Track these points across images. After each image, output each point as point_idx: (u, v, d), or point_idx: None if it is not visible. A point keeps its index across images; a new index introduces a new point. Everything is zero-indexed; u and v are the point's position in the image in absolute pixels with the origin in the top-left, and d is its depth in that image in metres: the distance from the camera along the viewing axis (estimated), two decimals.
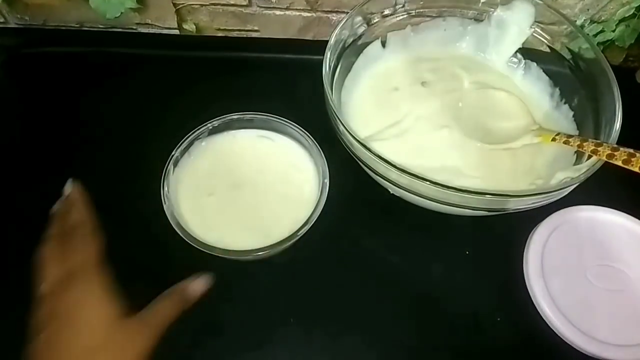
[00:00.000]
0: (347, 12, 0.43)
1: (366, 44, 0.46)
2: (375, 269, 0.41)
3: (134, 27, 0.57)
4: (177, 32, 0.57)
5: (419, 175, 0.33)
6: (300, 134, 0.41)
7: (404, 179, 0.34)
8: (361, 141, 0.35)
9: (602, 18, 0.52)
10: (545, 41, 0.45)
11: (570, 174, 0.35)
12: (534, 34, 0.45)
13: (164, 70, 0.53)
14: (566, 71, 0.44)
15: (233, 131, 0.42)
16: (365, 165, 0.37)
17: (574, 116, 0.43)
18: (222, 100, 0.44)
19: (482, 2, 0.47)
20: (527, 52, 0.47)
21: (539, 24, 0.45)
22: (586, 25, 0.53)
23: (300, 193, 0.39)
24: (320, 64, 0.39)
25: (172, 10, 0.55)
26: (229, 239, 0.36)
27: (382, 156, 0.34)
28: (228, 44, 0.58)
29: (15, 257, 0.40)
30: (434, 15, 0.48)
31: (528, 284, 0.40)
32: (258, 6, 0.54)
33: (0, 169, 0.45)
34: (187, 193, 0.39)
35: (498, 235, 0.42)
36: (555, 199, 0.35)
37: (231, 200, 0.39)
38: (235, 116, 0.41)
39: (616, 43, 0.53)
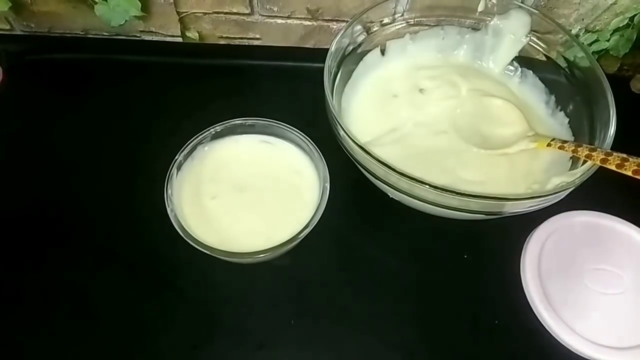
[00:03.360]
0: (347, 21, 0.44)
1: (366, 52, 0.47)
2: (374, 271, 0.41)
3: (138, 35, 0.58)
4: (180, 39, 0.58)
5: (418, 179, 0.33)
6: (301, 139, 0.41)
7: (403, 183, 0.35)
8: (361, 145, 0.36)
9: (597, 28, 0.53)
10: (541, 50, 0.46)
11: (565, 179, 0.36)
12: (530, 42, 0.46)
13: (167, 77, 0.53)
14: (562, 79, 0.44)
15: (235, 136, 0.43)
16: (365, 170, 0.38)
17: (569, 123, 0.43)
18: (224, 106, 0.45)
19: (480, 12, 0.47)
20: (523, 61, 0.48)
21: (535, 33, 0.46)
22: (581, 34, 0.54)
23: (301, 197, 0.39)
24: (320, 71, 0.40)
25: (176, 19, 0.55)
26: (231, 241, 0.37)
27: (382, 160, 0.35)
28: (230, 52, 0.58)
29: (14, 258, 0.41)
30: (432, 24, 0.49)
31: (525, 287, 0.40)
32: (260, 15, 0.55)
33: (3, 173, 0.46)
34: (190, 196, 0.39)
35: (496, 239, 0.43)
36: (551, 202, 0.35)
37: (233, 203, 0.39)
38: (237, 121, 0.42)
39: (611, 52, 0.53)
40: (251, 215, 0.39)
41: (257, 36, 0.58)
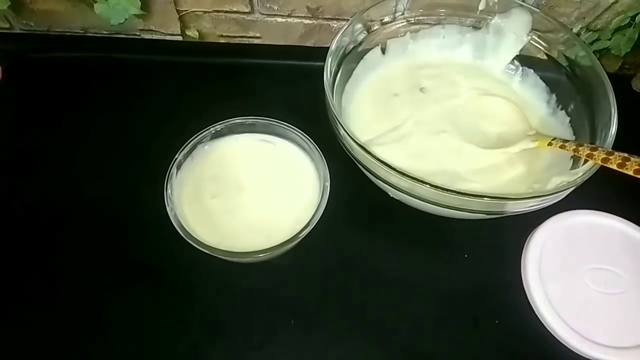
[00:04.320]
0: (348, 20, 0.44)
1: (366, 51, 0.47)
2: (374, 271, 0.41)
3: (138, 33, 0.58)
4: (180, 38, 0.58)
5: (419, 178, 0.33)
6: (302, 138, 0.41)
7: (403, 182, 0.35)
8: (362, 145, 0.36)
9: (598, 26, 0.53)
10: (542, 48, 0.46)
11: (566, 178, 0.36)
12: (531, 41, 0.46)
13: (167, 76, 0.53)
14: (563, 78, 0.44)
15: (235, 135, 0.43)
16: (366, 169, 0.38)
17: (570, 122, 0.43)
18: (224, 105, 0.45)
19: (481, 10, 0.47)
20: (524, 59, 0.47)
21: (536, 32, 0.46)
22: (582, 33, 0.54)
23: (302, 196, 0.39)
24: (321, 70, 0.40)
25: (176, 17, 0.55)
26: (231, 240, 0.37)
27: (382, 159, 0.34)
28: (230, 50, 0.58)
29: (13, 257, 0.41)
30: (433, 22, 0.48)
31: (526, 287, 0.40)
32: (260, 13, 0.55)
33: (2, 173, 0.46)
34: (190, 196, 0.39)
35: (496, 239, 0.43)
36: (552, 202, 0.35)
37: (233, 202, 0.39)
38: (237, 120, 0.42)
39: (612, 51, 0.53)
40: (251, 215, 0.39)
41: (257, 35, 0.58)
